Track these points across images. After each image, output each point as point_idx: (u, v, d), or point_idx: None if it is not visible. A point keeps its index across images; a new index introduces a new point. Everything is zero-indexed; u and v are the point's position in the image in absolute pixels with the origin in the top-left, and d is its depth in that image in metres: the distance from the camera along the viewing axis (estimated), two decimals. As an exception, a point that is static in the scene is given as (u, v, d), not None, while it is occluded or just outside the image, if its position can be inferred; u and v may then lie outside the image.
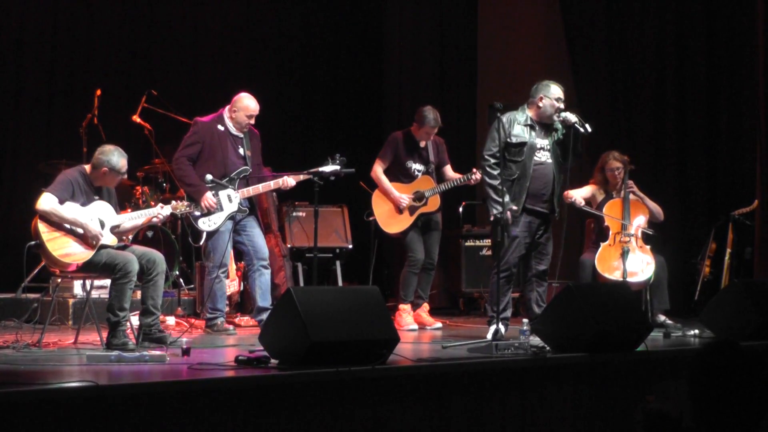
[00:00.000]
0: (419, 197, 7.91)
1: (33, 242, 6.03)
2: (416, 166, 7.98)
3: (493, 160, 6.77)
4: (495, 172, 6.73)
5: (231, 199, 7.29)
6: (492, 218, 6.63)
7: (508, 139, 6.83)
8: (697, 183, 9.91)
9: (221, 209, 7.26)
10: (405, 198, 7.88)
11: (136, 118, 8.88)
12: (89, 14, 10.01)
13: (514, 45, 11.32)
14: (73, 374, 4.86)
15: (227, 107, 7.44)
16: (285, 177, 7.38)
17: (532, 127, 6.88)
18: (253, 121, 7.41)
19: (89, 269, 6.16)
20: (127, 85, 9.95)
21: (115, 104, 9.46)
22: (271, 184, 7.41)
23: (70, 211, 6.06)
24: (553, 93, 6.87)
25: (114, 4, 10.16)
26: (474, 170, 7.86)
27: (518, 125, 6.86)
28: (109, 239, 6.18)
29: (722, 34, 9.89)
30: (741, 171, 9.67)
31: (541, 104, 6.88)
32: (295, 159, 10.25)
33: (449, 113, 10.47)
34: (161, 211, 6.48)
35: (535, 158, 6.86)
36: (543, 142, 6.89)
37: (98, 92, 8.76)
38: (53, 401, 4.10)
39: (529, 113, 6.92)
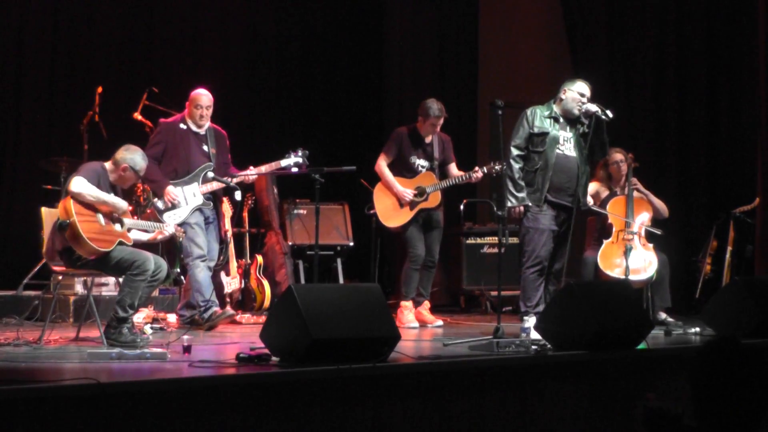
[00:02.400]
0: (420, 192, 7.90)
1: (62, 220, 6.01)
2: (420, 162, 7.98)
3: (516, 152, 6.96)
4: (517, 166, 6.93)
5: (195, 194, 7.41)
6: (506, 210, 6.68)
7: (531, 130, 6.99)
8: (698, 181, 9.92)
9: (186, 203, 7.38)
10: (409, 192, 7.87)
11: (138, 116, 8.87)
12: (90, 11, 10.00)
13: (514, 43, 11.31)
14: (74, 372, 4.85)
15: None
16: (246, 172, 7.58)
17: (556, 120, 7.01)
18: (204, 113, 7.48)
19: (105, 263, 6.14)
20: (128, 82, 9.93)
21: (117, 102, 9.45)
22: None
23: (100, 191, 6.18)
24: (577, 87, 7.05)
25: (115, 1, 10.16)
26: (476, 168, 7.87)
27: (541, 117, 7.01)
28: (126, 238, 6.27)
29: (722, 34, 9.89)
30: (742, 169, 9.68)
31: (564, 96, 7.04)
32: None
33: (450, 111, 10.32)
34: (166, 229, 6.67)
35: (558, 150, 6.96)
36: (566, 135, 7.02)
37: (99, 89, 8.76)
38: (54, 399, 4.09)
39: (555, 107, 7.06)
